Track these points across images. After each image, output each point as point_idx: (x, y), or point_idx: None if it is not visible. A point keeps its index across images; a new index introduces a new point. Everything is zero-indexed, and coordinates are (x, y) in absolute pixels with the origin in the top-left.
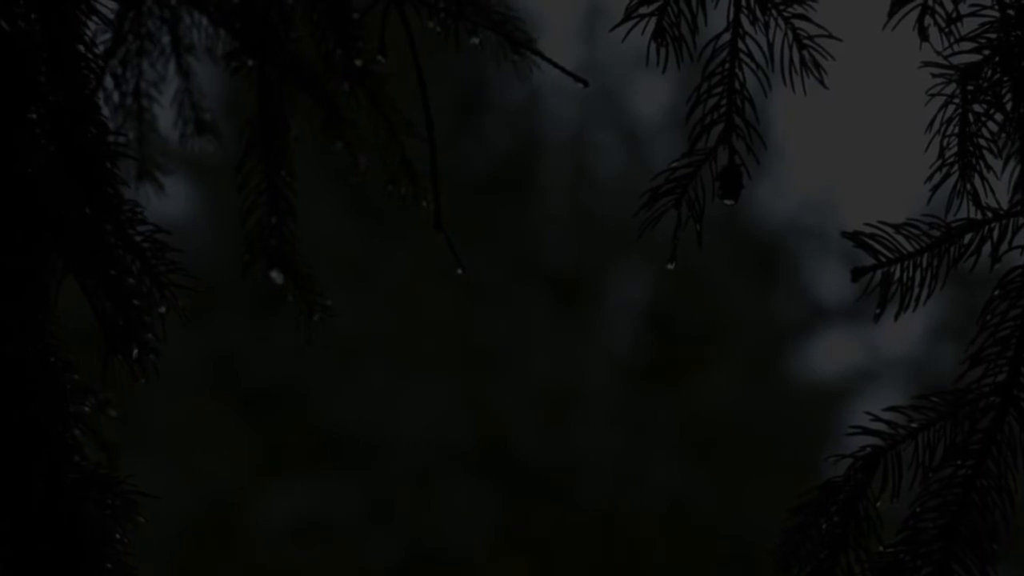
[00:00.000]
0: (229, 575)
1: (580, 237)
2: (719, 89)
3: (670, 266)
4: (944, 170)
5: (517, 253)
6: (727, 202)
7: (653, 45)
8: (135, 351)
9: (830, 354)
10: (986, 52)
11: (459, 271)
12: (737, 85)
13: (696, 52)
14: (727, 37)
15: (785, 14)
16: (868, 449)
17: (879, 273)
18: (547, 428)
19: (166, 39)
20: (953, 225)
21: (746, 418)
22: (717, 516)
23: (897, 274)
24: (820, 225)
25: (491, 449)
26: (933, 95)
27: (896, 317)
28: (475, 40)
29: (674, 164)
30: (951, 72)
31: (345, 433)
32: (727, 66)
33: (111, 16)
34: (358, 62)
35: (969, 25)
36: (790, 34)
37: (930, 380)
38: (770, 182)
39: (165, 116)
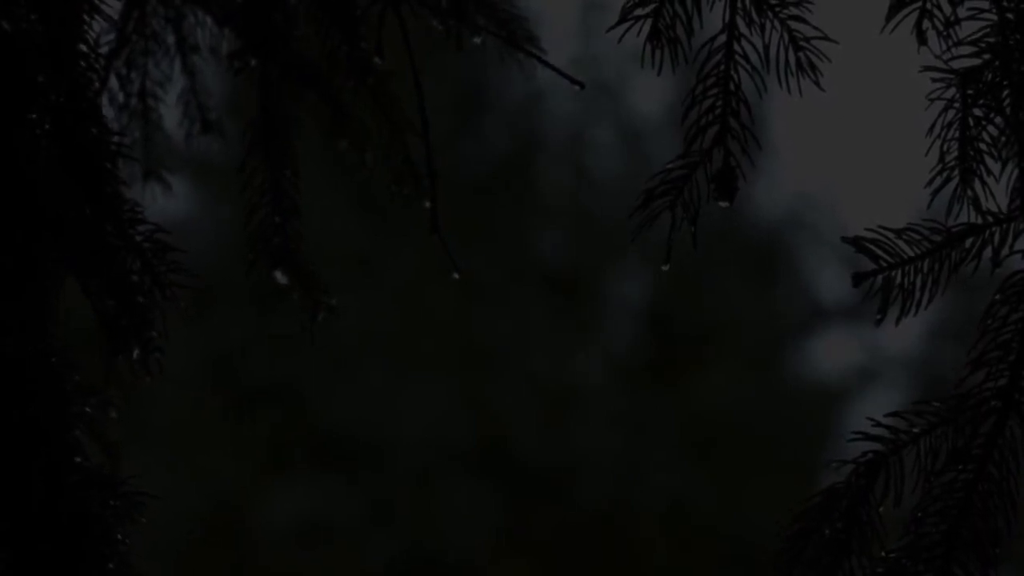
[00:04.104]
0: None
1: (579, 237)
2: (714, 91)
3: (664, 268)
4: (944, 174)
5: (516, 253)
6: (722, 204)
7: (648, 47)
8: (136, 351)
9: (830, 354)
10: (985, 56)
11: (455, 275)
12: (732, 87)
13: (692, 54)
14: (723, 39)
15: (781, 16)
16: (870, 455)
17: (880, 278)
18: (547, 428)
19: (171, 39)
20: (953, 229)
21: (746, 418)
22: (717, 516)
23: (898, 279)
24: (819, 225)
25: (491, 449)
26: (933, 99)
27: (897, 322)
28: (477, 40)
29: (669, 166)
30: (951, 76)
31: (345, 433)
32: (723, 68)
33: (115, 16)
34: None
35: (968, 28)
36: (786, 36)
37: (931, 380)
38: (769, 182)
39: (171, 115)
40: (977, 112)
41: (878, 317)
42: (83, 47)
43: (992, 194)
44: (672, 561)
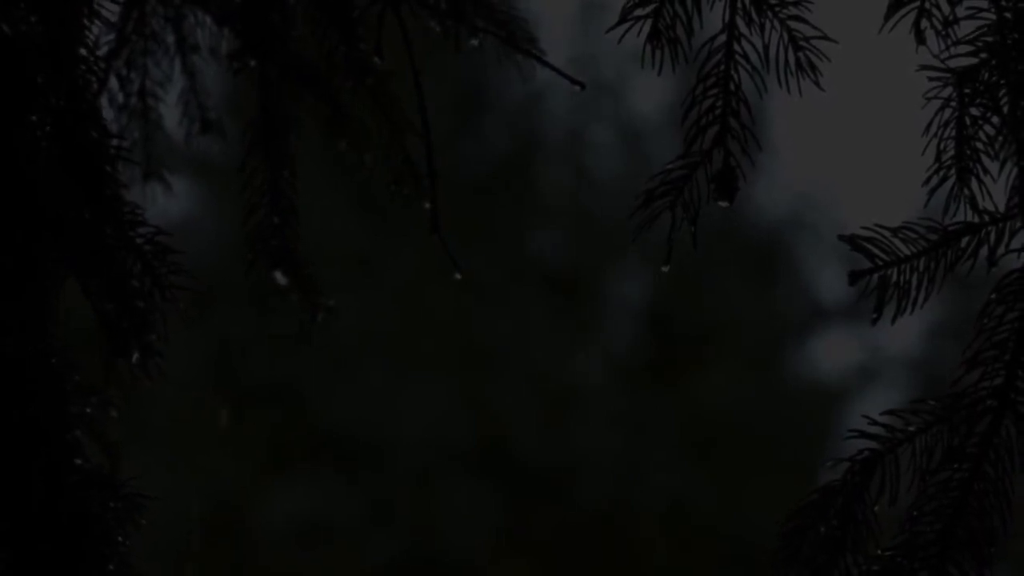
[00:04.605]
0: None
1: (579, 237)
2: (714, 91)
3: (664, 268)
4: (941, 173)
5: (516, 253)
6: (722, 204)
7: (648, 47)
8: (136, 354)
9: (830, 354)
10: (983, 55)
11: (456, 276)
12: (732, 87)
13: (692, 54)
14: (723, 39)
15: (781, 16)
16: (866, 453)
17: (876, 276)
18: (547, 428)
19: (170, 39)
20: (950, 228)
21: (746, 418)
22: (717, 516)
23: (894, 277)
24: (819, 225)
25: (491, 449)
26: (930, 98)
27: (893, 320)
28: (475, 41)
29: (669, 166)
30: (948, 75)
31: (345, 433)
32: (722, 68)
33: (114, 17)
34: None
35: (966, 28)
36: (786, 36)
37: (931, 379)
38: (769, 182)
39: (171, 115)
40: (974, 111)
41: (874, 316)
42: (83, 49)
43: (989, 193)
44: (672, 561)
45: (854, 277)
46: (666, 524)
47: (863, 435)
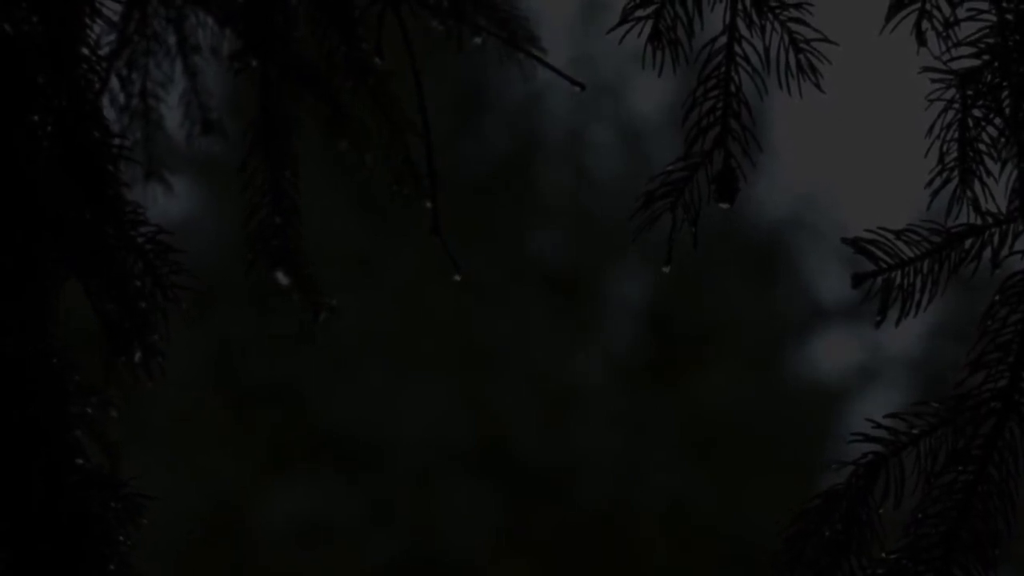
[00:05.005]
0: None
1: (579, 237)
2: (715, 92)
3: (665, 269)
4: (944, 175)
5: (516, 253)
6: (723, 206)
7: (649, 48)
8: (138, 354)
9: (830, 354)
10: (985, 57)
11: (456, 277)
12: (733, 88)
13: (692, 55)
14: (723, 40)
15: (781, 18)
16: (870, 456)
17: (880, 279)
18: (547, 428)
19: (172, 39)
20: (953, 230)
21: (746, 418)
22: (717, 516)
23: (898, 280)
24: (819, 225)
25: (491, 449)
26: (932, 100)
27: (897, 323)
28: (477, 40)
29: (670, 167)
30: (950, 77)
31: (345, 433)
32: (723, 69)
33: (116, 17)
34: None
35: (967, 29)
36: (786, 38)
37: (931, 380)
38: (769, 183)
39: (172, 116)
40: (976, 113)
41: (878, 319)
42: (84, 49)
43: (991, 195)
44: (672, 561)
45: (858, 280)
46: (666, 524)
47: (867, 438)
